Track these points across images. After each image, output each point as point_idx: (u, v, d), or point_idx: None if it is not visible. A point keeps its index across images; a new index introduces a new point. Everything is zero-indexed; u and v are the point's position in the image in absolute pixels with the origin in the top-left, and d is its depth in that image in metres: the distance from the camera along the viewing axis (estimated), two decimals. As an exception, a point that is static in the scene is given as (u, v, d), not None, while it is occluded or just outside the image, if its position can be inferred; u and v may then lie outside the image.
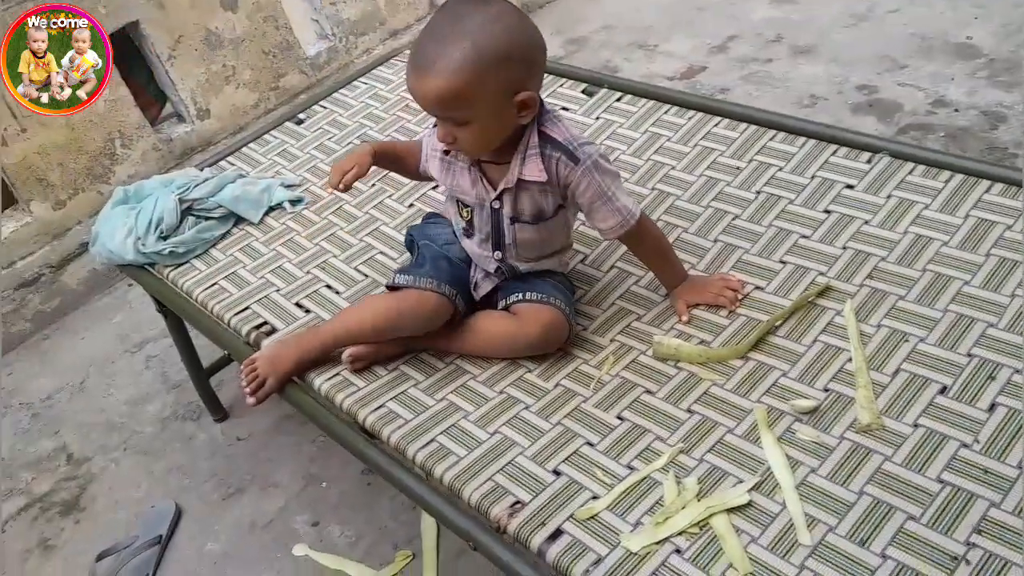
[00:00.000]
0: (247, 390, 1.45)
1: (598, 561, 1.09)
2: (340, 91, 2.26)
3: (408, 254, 1.63)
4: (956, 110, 2.50)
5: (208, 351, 2.14)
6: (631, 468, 1.21)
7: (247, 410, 2.22)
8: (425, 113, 1.40)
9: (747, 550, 1.06)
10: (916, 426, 1.15)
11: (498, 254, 1.44)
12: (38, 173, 2.62)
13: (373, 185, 1.89)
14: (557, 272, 1.48)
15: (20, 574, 1.99)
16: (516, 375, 1.40)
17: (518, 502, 1.19)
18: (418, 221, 1.68)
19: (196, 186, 1.88)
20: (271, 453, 2.10)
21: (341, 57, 3.27)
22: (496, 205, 1.38)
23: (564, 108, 1.93)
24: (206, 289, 1.73)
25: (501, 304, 1.45)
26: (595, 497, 1.17)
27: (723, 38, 3.15)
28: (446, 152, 1.40)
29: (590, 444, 1.26)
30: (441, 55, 1.20)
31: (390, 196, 1.85)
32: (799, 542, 1.05)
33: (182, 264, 1.80)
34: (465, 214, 1.44)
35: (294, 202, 1.88)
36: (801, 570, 1.03)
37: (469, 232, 1.46)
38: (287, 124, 2.19)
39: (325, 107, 2.22)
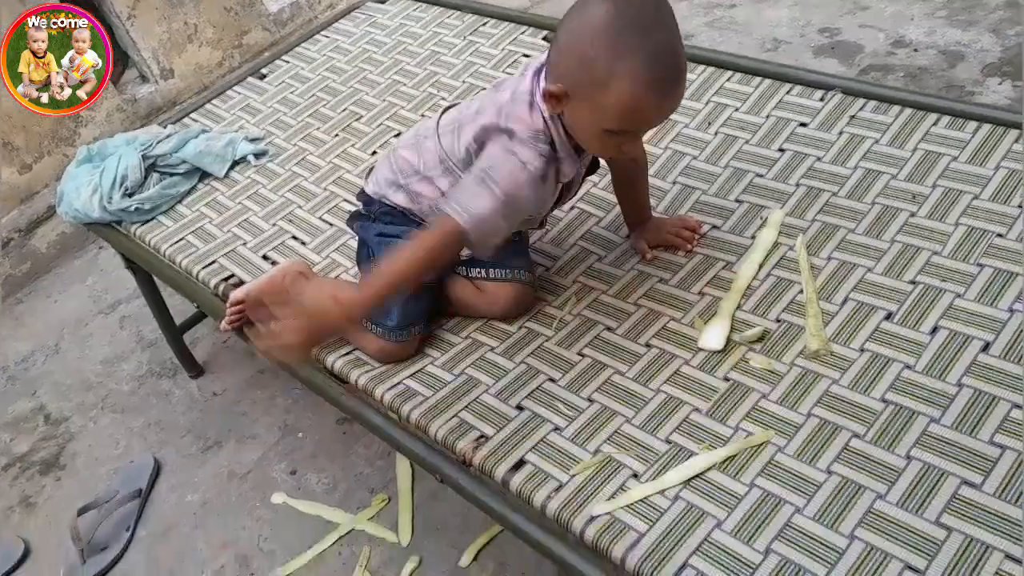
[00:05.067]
0: (229, 326, 1.51)
1: (559, 488, 1.14)
2: (302, 45, 2.26)
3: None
4: (915, 50, 2.53)
5: (181, 309, 2.16)
6: (591, 401, 1.25)
7: (222, 366, 2.25)
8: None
9: (712, 537, 1.11)
10: (863, 351, 1.19)
11: (550, 212, 1.43)
12: (2, 137, 2.61)
13: (336, 135, 1.90)
14: None
15: (3, 530, 2.02)
16: (481, 321, 1.43)
17: (482, 436, 1.23)
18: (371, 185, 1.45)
19: (159, 142, 1.88)
20: (247, 407, 2.13)
21: (304, 13, 3.25)
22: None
23: (525, 55, 1.94)
24: (173, 244, 1.74)
25: (460, 270, 1.41)
26: (557, 429, 1.22)
27: (688, -16, 3.15)
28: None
29: (552, 380, 1.30)
30: (681, 53, 1.13)
31: (352, 145, 1.86)
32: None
33: (148, 220, 1.81)
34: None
35: (258, 155, 1.89)
36: (751, 488, 1.08)
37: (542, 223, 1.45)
38: (250, 79, 2.19)
39: (288, 61, 2.21)
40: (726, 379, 1.22)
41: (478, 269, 1.41)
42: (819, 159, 1.50)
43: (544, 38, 1.97)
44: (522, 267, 1.41)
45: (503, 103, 1.24)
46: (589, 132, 1.19)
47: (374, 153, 1.82)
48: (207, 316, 2.13)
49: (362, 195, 1.46)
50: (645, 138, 1.40)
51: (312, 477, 1.93)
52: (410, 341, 1.39)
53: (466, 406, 1.29)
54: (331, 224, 1.68)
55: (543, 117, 1.21)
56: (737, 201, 1.49)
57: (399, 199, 1.38)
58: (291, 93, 2.09)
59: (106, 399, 2.28)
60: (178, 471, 2.04)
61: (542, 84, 1.20)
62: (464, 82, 1.93)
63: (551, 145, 1.22)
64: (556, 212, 1.57)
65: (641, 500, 1.10)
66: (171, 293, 2.01)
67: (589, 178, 1.52)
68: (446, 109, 1.39)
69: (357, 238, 1.48)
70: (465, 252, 1.39)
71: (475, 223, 1.18)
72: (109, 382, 2.32)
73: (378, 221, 1.41)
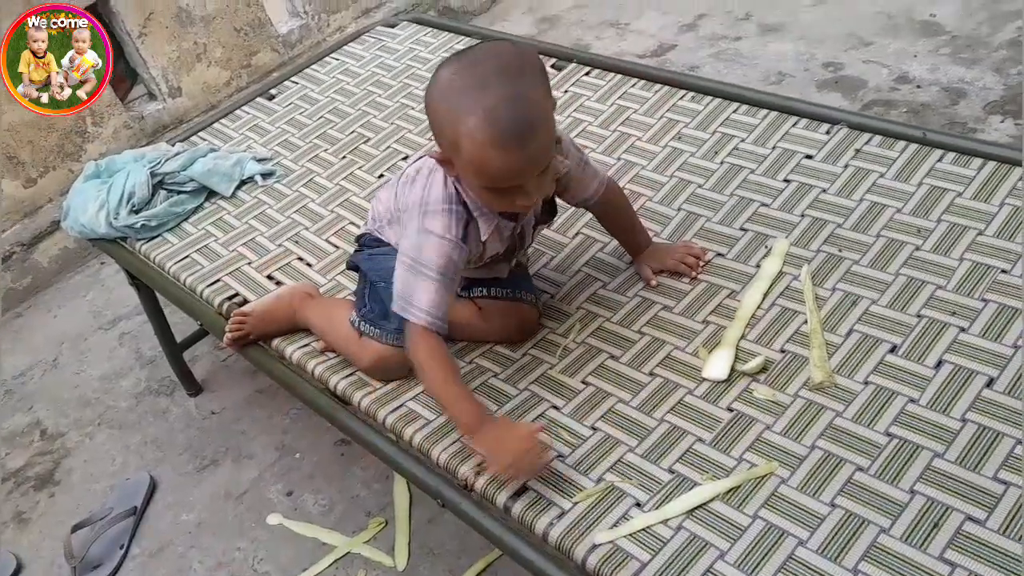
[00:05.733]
0: (230, 336, 1.52)
1: (561, 515, 1.13)
2: (312, 67, 2.27)
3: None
4: (918, 86, 2.55)
5: (182, 327, 2.15)
6: (594, 429, 1.25)
7: (220, 384, 2.24)
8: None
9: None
10: (867, 383, 1.19)
11: (514, 261, 1.42)
12: (8, 151, 2.61)
13: (343, 158, 1.91)
14: None
15: (-4, 547, 2.01)
16: (486, 347, 1.43)
17: (484, 461, 1.23)
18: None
19: (167, 160, 1.89)
20: (244, 426, 2.12)
21: (313, 35, 3.27)
22: (518, 228, 1.33)
23: (533, 82, 1.95)
24: (178, 262, 1.74)
25: (463, 292, 1.42)
26: (560, 456, 1.21)
27: (693, 16, 3.18)
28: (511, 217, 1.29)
29: (555, 408, 1.30)
30: (527, 107, 1.11)
31: (360, 167, 1.87)
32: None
33: (154, 238, 1.82)
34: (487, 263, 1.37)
35: (266, 175, 1.90)
36: (754, 520, 1.07)
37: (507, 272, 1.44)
38: (259, 99, 2.20)
39: (296, 82, 2.23)
40: (730, 409, 1.22)
41: (480, 289, 1.41)
42: (824, 191, 1.50)
43: (553, 66, 1.99)
44: (525, 289, 1.42)
45: (431, 167, 1.25)
46: (474, 191, 1.20)
47: (381, 175, 1.83)
48: (207, 334, 2.13)
49: (357, 239, 1.49)
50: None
51: (309, 498, 1.92)
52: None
53: (468, 430, 1.28)
54: (337, 246, 1.69)
55: (454, 180, 1.22)
56: (742, 229, 1.49)
57: (388, 235, 1.40)
58: (299, 114, 2.10)
59: (103, 415, 2.27)
60: (174, 489, 2.02)
61: None
62: (471, 107, 1.94)
63: (464, 205, 1.23)
64: (559, 238, 1.57)
65: (644, 529, 1.09)
66: (172, 311, 2.01)
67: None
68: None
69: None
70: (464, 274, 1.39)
71: (431, 313, 1.21)
72: (107, 398, 2.31)
73: (365, 247, 1.44)
